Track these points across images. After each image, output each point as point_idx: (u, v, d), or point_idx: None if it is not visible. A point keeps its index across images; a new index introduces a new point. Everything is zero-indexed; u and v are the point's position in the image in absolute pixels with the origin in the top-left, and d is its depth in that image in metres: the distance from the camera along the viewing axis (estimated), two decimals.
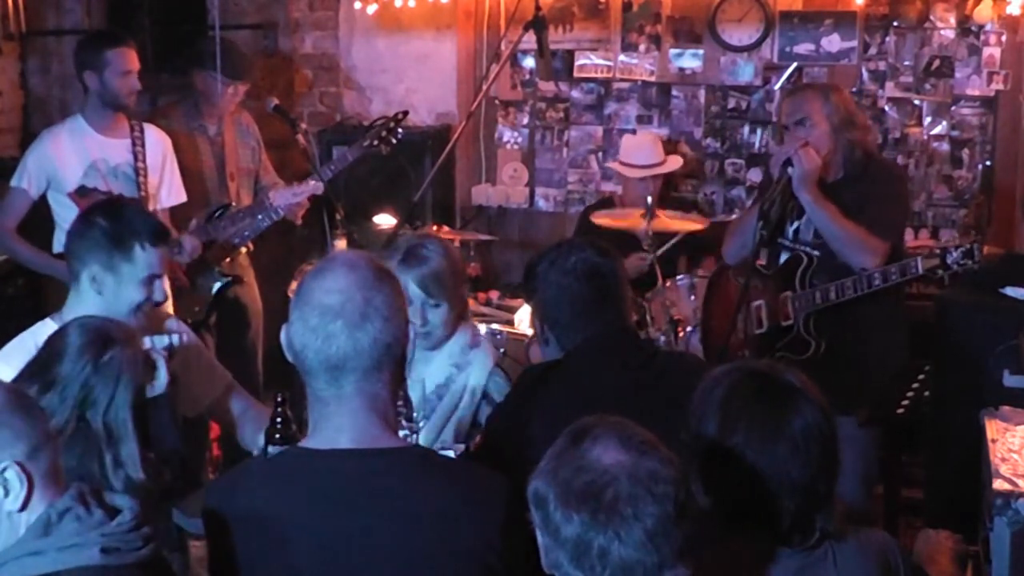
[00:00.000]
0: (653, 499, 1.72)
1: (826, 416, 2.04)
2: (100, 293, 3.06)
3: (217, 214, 4.82)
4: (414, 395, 2.99)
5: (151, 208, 4.55)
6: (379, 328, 2.05)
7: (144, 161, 4.58)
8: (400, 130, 4.91)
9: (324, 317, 2.06)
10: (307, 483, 2.06)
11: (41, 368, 2.63)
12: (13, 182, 4.58)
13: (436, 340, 3.26)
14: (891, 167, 4.02)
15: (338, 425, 2.08)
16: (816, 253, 3.81)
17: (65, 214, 4.56)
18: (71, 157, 4.53)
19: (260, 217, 4.83)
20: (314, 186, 4.75)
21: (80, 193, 4.53)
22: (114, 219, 3.09)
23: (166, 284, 3.28)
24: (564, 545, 1.75)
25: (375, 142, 4.85)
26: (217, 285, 4.80)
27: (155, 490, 2.67)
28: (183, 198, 4.73)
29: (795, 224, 3.88)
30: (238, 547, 2.06)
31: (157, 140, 4.67)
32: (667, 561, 1.72)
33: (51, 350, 2.65)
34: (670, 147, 5.62)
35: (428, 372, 3.23)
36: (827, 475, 2.04)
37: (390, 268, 3.05)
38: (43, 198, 4.58)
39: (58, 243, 4.61)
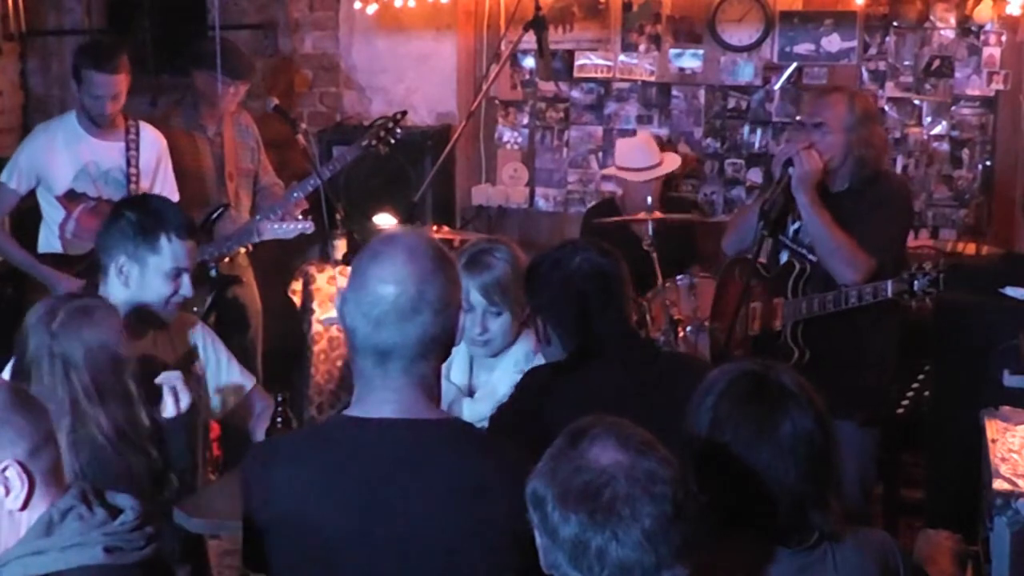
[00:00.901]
0: (651, 499, 1.72)
1: (820, 421, 2.03)
2: (127, 285, 3.08)
3: (215, 215, 4.82)
4: (483, 406, 3.00)
5: None
6: (429, 321, 2.08)
7: (137, 166, 4.56)
8: (399, 130, 4.92)
9: (376, 306, 2.07)
10: (352, 448, 2.09)
11: (17, 366, 2.74)
12: (2, 178, 4.59)
13: (496, 348, 3.21)
14: (897, 186, 3.97)
15: (383, 398, 2.11)
16: (812, 258, 3.80)
17: (53, 213, 4.57)
18: (63, 159, 4.52)
19: (245, 238, 4.82)
20: (306, 226, 4.77)
21: (68, 197, 4.53)
22: (143, 210, 3.13)
23: None
24: (562, 545, 1.74)
25: (373, 142, 4.86)
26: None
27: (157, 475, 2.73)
28: (175, 199, 4.71)
29: (796, 224, 3.88)
30: (278, 508, 2.09)
31: (153, 140, 4.65)
32: (665, 561, 1.72)
33: (17, 344, 2.75)
34: (663, 145, 5.63)
35: (493, 379, 3.21)
36: (817, 479, 2.02)
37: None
38: (32, 194, 4.58)
39: (43, 241, 4.62)
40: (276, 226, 4.77)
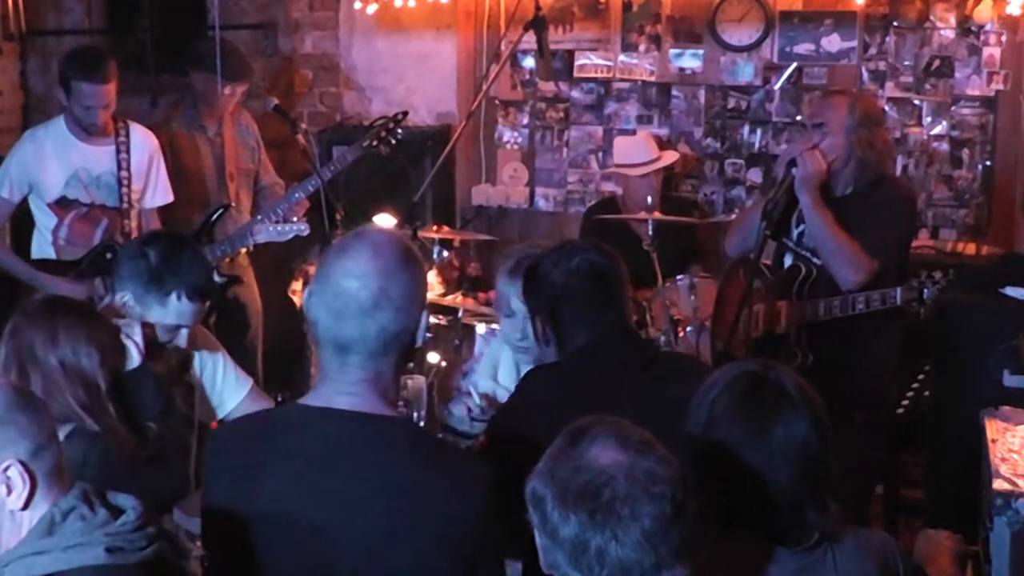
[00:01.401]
0: (650, 499, 1.72)
1: (816, 424, 2.03)
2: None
3: (216, 216, 4.81)
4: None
5: (133, 212, 4.53)
6: (389, 319, 2.09)
7: (128, 169, 4.51)
8: (400, 131, 4.91)
9: (338, 299, 2.09)
10: (300, 435, 2.12)
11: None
12: None
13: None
14: (901, 190, 3.97)
15: (338, 389, 2.13)
16: (816, 262, 3.81)
17: (45, 220, 4.53)
18: (53, 166, 4.48)
19: (238, 242, 4.82)
20: (301, 228, 4.77)
21: (60, 204, 4.49)
22: (166, 258, 3.09)
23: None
24: (562, 545, 1.75)
25: (374, 143, 4.85)
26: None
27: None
28: (169, 198, 4.70)
29: (800, 227, 3.88)
30: (225, 489, 2.13)
31: (143, 140, 4.60)
32: (665, 561, 1.73)
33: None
34: (662, 143, 5.64)
35: None
36: (812, 481, 2.03)
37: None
38: (25, 200, 4.55)
39: (36, 247, 4.59)
40: (270, 228, 4.76)
